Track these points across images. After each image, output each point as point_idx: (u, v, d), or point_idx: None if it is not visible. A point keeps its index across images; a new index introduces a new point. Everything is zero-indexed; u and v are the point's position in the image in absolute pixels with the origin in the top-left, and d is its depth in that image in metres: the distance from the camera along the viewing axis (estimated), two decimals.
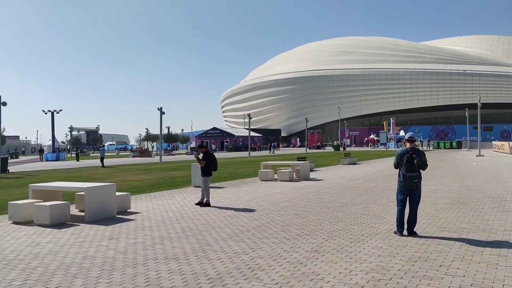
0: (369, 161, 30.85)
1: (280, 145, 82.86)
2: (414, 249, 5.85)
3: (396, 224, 6.94)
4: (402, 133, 68.32)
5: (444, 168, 21.48)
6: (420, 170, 6.81)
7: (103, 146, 46.61)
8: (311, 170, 21.56)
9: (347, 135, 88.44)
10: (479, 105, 41.68)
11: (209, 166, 10.41)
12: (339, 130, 79.68)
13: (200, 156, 10.76)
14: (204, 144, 11.04)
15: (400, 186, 6.94)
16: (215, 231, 7.29)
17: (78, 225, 8.05)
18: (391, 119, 70.51)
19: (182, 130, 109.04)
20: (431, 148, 62.98)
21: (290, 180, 16.62)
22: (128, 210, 9.64)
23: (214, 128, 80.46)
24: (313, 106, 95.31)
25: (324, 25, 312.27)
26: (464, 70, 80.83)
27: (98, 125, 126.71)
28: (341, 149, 63.81)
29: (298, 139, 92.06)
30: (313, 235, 6.85)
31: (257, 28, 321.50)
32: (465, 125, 59.82)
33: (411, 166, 6.69)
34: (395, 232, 6.89)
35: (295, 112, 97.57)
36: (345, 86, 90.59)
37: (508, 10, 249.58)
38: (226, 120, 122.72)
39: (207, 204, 10.21)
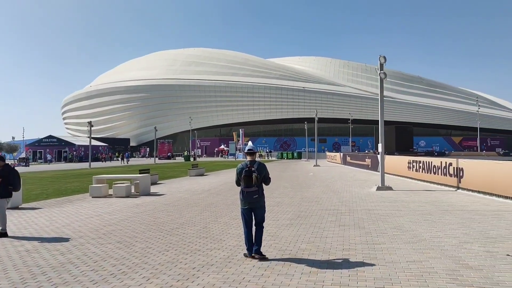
0: (217, 172, 30.50)
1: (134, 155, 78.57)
2: (251, 284, 4.89)
3: (246, 247, 6.22)
4: (250, 143, 70.85)
5: (286, 179, 22.08)
6: (263, 185, 6.20)
7: None
8: (155, 183, 19.99)
9: (198, 145, 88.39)
10: (316, 119, 45.43)
11: (6, 185, 8.06)
12: (190, 140, 79.02)
13: None
14: (2, 156, 8.52)
15: (241, 204, 6.21)
16: None
17: None
18: (240, 130, 72.70)
19: (13, 138, 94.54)
20: (274, 158, 66.65)
21: (128, 196, 14.79)
22: None
23: (50, 136, 71.69)
24: (165, 115, 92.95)
25: (176, 34, 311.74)
26: (304, 87, 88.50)
27: None
28: (192, 159, 63.13)
29: (148, 149, 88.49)
30: (132, 273, 5.41)
31: (106, 29, 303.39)
32: (304, 137, 65.10)
33: (249, 181, 6.02)
34: (245, 255, 6.18)
35: (145, 121, 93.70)
36: (197, 97, 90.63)
37: (339, 35, 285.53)
38: (67, 128, 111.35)
39: (3, 234, 7.87)
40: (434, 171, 16.51)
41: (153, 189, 17.31)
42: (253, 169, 6.08)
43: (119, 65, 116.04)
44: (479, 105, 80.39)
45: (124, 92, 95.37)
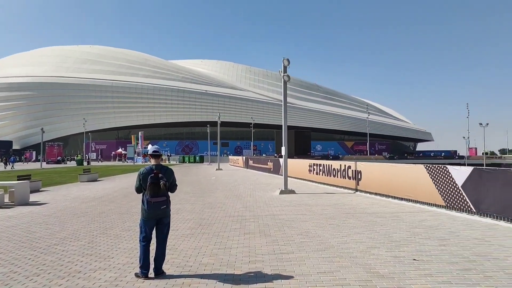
0: (113, 177, 28.31)
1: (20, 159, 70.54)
2: None
3: (139, 265, 5.21)
4: (150, 147, 67.95)
5: (188, 183, 21.10)
6: (169, 193, 5.34)
7: None
8: (37, 191, 17.64)
9: (93, 149, 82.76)
10: (219, 122, 44.99)
11: None
12: (84, 143, 73.55)
13: None
14: None
15: (144, 216, 5.24)
16: None
17: None
18: (139, 132, 69.45)
19: None
20: (175, 162, 64.92)
21: None
22: None
23: None
24: (55, 116, 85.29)
25: (67, 29, 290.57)
26: (206, 91, 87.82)
27: None
28: (85, 163, 58.70)
29: (34, 152, 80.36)
30: None
31: None
32: (206, 141, 64.36)
33: (157, 189, 5.13)
34: (137, 275, 5.20)
35: (32, 122, 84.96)
36: (92, 97, 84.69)
37: (242, 41, 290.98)
38: None
39: None
40: (334, 174, 16.90)
41: (34, 197, 15.14)
42: (160, 175, 5.20)
43: None
44: (369, 113, 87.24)
45: (5, 89, 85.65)
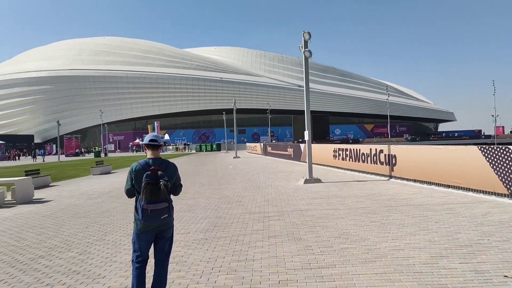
0: (127, 168, 27.29)
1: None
2: None
3: None
4: (166, 136, 67.28)
5: (204, 174, 19.82)
6: (171, 196, 3.77)
7: None
8: (47, 186, 16.71)
9: (111, 140, 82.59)
10: (235, 109, 43.60)
11: None
12: (101, 135, 73.29)
13: None
14: None
15: (139, 229, 3.73)
16: None
17: None
18: (155, 122, 68.63)
19: None
20: (193, 151, 63.99)
21: None
22: None
23: None
24: (72, 108, 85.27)
25: (80, 22, 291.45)
26: (221, 78, 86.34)
27: None
28: (103, 155, 58.34)
29: (54, 145, 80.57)
30: None
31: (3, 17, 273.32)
32: (223, 129, 63.12)
33: (156, 192, 3.57)
34: None
35: (51, 116, 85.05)
36: (108, 88, 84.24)
37: (253, 26, 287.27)
38: None
39: None
40: (363, 159, 15.32)
41: (41, 193, 14.11)
42: (160, 172, 3.67)
43: (17, 55, 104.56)
44: (388, 94, 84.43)
45: (24, 84, 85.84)
